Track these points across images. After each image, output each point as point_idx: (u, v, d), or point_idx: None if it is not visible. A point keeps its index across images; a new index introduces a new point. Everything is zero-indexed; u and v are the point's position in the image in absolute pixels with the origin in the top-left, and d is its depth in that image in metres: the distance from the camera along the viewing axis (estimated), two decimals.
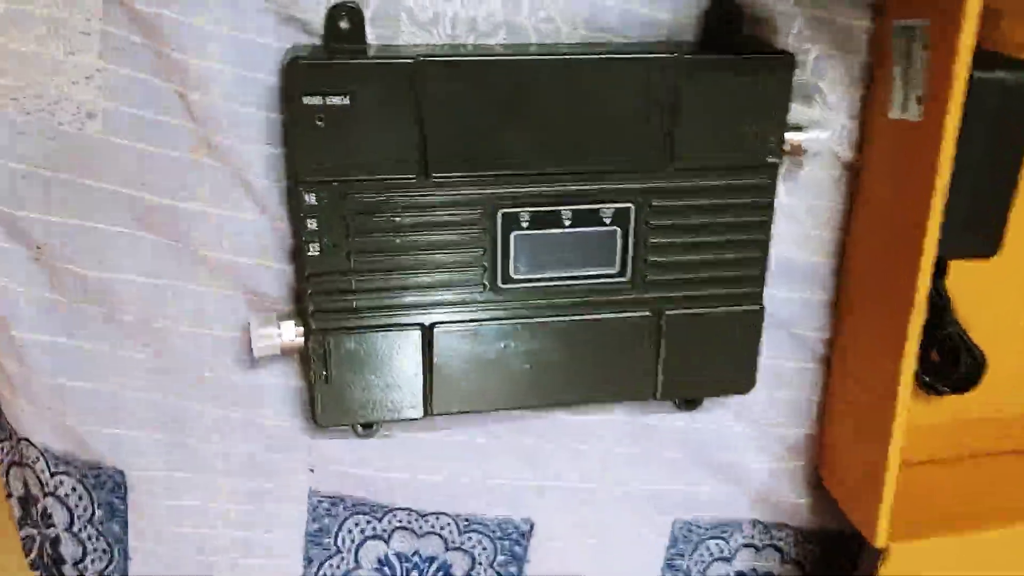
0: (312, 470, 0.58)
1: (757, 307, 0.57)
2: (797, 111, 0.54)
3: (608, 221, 0.53)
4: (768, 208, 0.55)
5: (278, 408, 0.56)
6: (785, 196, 0.57)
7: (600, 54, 0.50)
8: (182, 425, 0.55)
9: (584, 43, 0.52)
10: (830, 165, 0.57)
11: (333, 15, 0.48)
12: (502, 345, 0.55)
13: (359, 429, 0.57)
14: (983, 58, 0.50)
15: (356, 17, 0.49)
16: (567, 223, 0.53)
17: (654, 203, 0.53)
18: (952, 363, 0.62)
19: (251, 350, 0.52)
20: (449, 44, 0.50)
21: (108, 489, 0.57)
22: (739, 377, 0.59)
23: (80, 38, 0.47)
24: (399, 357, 0.53)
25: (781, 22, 0.53)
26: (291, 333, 0.52)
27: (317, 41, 0.49)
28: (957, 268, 0.61)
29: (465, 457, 0.60)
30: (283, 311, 0.54)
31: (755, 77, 0.51)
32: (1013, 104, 0.51)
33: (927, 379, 0.63)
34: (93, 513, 0.57)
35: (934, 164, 0.49)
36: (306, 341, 0.52)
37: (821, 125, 0.54)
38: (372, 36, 0.49)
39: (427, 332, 0.53)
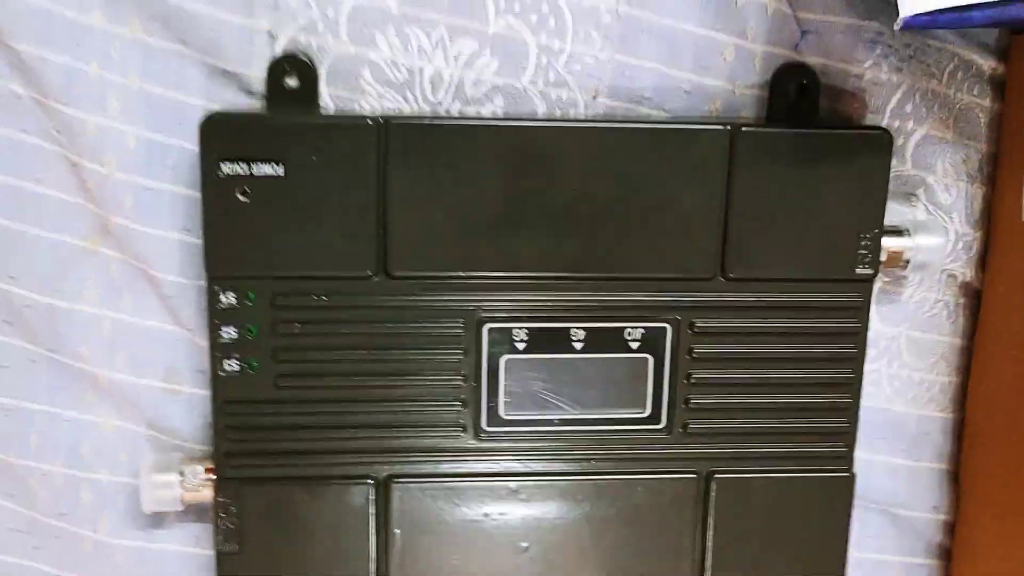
0: None
1: (845, 473, 0.41)
2: (896, 212, 0.41)
3: (636, 346, 0.39)
4: (859, 337, 0.40)
5: None
6: (882, 325, 0.43)
7: (629, 122, 0.38)
8: None
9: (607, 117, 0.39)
10: (943, 287, 0.43)
11: (277, 70, 0.37)
12: (484, 512, 0.40)
13: None
14: None
15: (308, 73, 0.37)
16: (579, 346, 0.39)
17: (699, 324, 0.39)
18: None
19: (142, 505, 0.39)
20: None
21: None
22: (820, 571, 0.42)
23: None
24: (341, 522, 0.39)
25: (873, 95, 0.40)
26: (196, 481, 0.39)
27: (257, 103, 0.38)
28: None
29: None
30: (195, 453, 0.40)
31: (838, 159, 0.38)
32: None
33: None
34: None
35: None
36: (216, 497, 0.38)
37: (928, 230, 0.40)
38: (328, 98, 0.38)
39: (381, 488, 0.39)
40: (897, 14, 0.29)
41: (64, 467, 0.40)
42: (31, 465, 0.40)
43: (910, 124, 0.40)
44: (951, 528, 0.46)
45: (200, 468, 0.39)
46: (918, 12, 0.29)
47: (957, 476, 0.45)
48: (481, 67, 0.38)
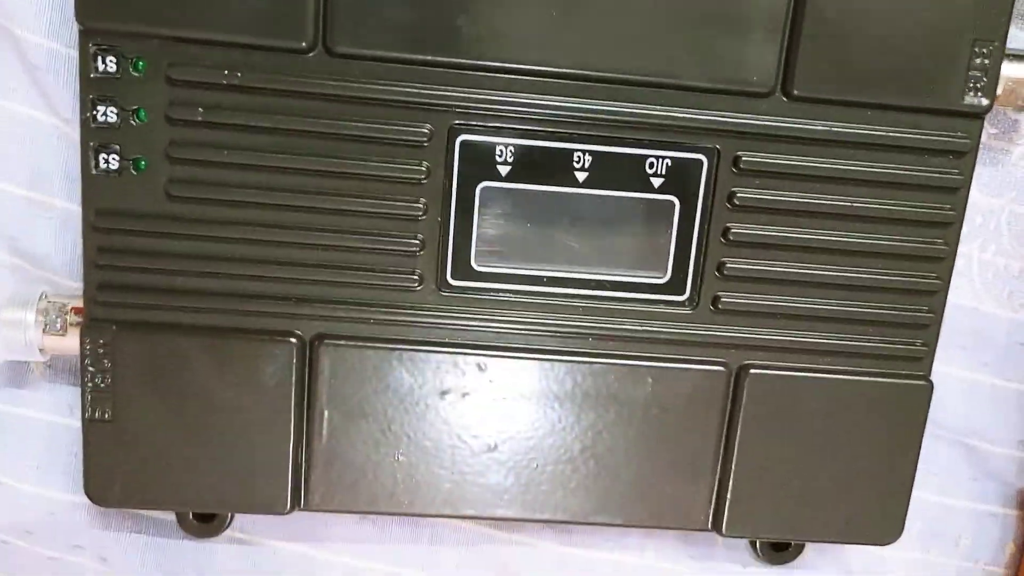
0: None
1: (920, 380, 0.31)
2: (1017, 38, 0.30)
3: (659, 183, 0.29)
4: (959, 196, 0.30)
5: (47, 470, 0.32)
6: (979, 194, 0.33)
7: None
8: None
9: None
10: None
11: None
12: (445, 395, 0.30)
13: (188, 520, 0.32)
14: None
15: None
16: (582, 177, 0.29)
17: (746, 158, 0.29)
18: None
19: None
20: None
21: None
22: (873, 513, 0.32)
23: None
24: (252, 391, 0.29)
25: None
26: (60, 322, 0.29)
27: None
28: None
29: None
30: (68, 290, 0.31)
31: None
32: None
33: None
34: None
35: None
36: (83, 345, 0.29)
37: None
38: None
39: (306, 350, 0.29)
40: None
41: None
42: None
43: None
44: None
45: (65, 305, 0.29)
46: None
47: None
48: None
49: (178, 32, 0.27)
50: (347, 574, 0.34)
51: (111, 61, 0.27)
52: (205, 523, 0.33)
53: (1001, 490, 0.36)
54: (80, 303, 0.29)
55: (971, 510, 0.36)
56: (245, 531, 0.33)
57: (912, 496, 0.33)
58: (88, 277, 0.28)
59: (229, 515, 0.33)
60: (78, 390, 0.32)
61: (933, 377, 0.32)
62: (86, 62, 0.27)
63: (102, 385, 0.29)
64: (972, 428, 0.35)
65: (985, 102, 0.29)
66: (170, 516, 0.33)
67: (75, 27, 0.28)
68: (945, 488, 0.36)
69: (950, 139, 0.29)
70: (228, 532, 0.33)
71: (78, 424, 0.32)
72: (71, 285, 0.31)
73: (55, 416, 0.32)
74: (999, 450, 0.35)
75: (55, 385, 0.32)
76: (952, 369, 0.34)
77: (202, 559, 0.33)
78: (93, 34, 0.26)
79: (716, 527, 0.32)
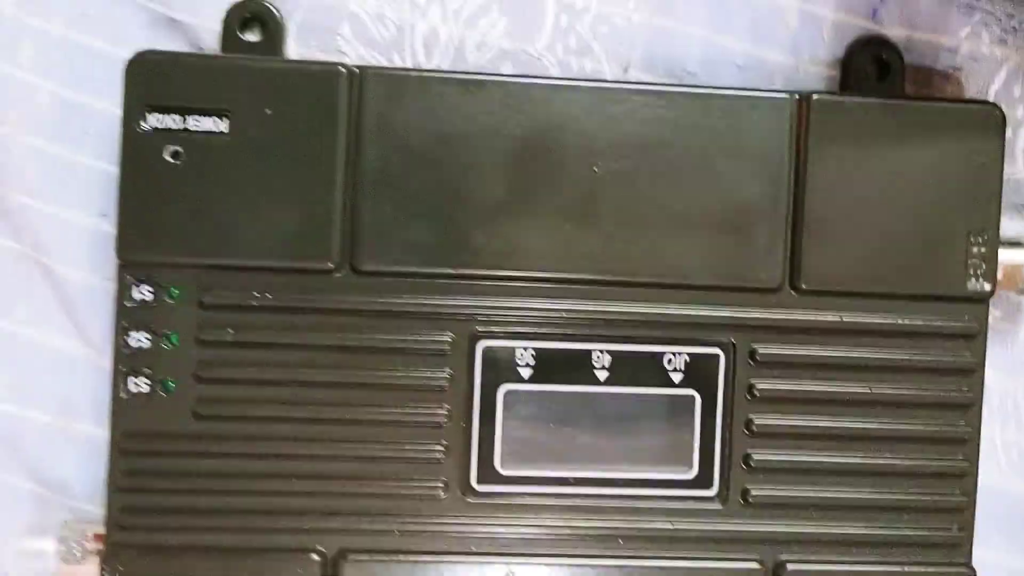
0: None
1: (962, 568, 0.30)
2: (1008, 227, 0.32)
3: (679, 379, 0.30)
4: (975, 377, 0.30)
5: None
6: (994, 376, 0.33)
7: (672, 86, 0.30)
8: None
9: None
10: None
11: (233, 19, 0.30)
12: None
13: None
14: None
15: (273, 26, 0.30)
16: (602, 376, 0.29)
17: (761, 351, 0.29)
18: None
19: None
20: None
21: None
22: None
23: None
24: None
25: (972, 74, 0.32)
26: (79, 550, 0.28)
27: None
28: None
29: None
30: (88, 516, 0.30)
31: (937, 141, 0.30)
32: None
33: None
34: None
35: None
36: (101, 571, 0.28)
37: None
38: (296, 58, 0.31)
39: (330, 567, 0.28)
40: None
41: None
42: None
43: (1020, 112, 0.32)
44: None
45: (86, 532, 0.29)
46: None
47: None
48: (486, 27, 0.31)
49: (211, 260, 0.28)
50: None
51: (147, 290, 0.28)
52: None
53: None
54: (100, 529, 0.29)
55: None
56: None
57: None
58: (112, 501, 0.28)
59: None
60: None
61: (976, 565, 0.31)
62: (123, 292, 0.28)
63: None
64: None
65: (987, 287, 0.30)
66: None
67: (112, 261, 0.30)
68: None
69: (959, 324, 0.30)
70: None
71: None
72: (92, 511, 0.30)
73: None
74: None
75: None
76: (990, 553, 0.33)
77: None
78: (131, 266, 0.28)
79: None
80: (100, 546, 0.28)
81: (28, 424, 0.30)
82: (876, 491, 0.30)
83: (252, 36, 0.30)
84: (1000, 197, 0.30)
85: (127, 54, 0.30)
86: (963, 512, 0.30)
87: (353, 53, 0.31)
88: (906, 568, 0.30)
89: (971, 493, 0.30)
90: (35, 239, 0.30)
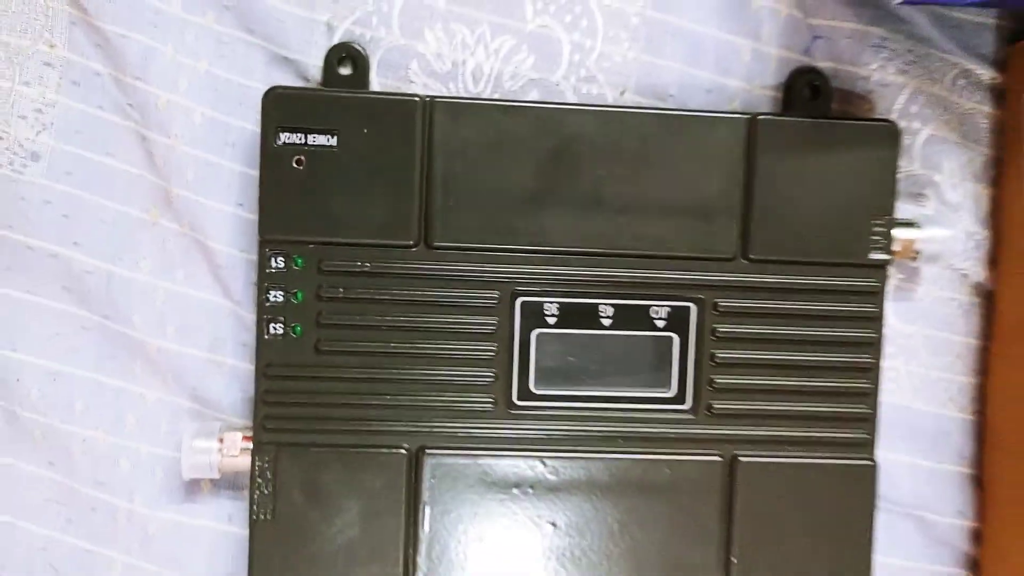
0: None
1: (867, 460, 0.42)
2: (907, 211, 0.43)
3: (662, 325, 0.41)
4: (876, 321, 0.41)
5: (212, 567, 0.42)
6: (899, 323, 0.44)
7: (655, 110, 0.41)
8: None
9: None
10: (955, 286, 0.44)
11: (333, 58, 0.41)
12: (515, 489, 0.40)
13: None
14: None
15: (360, 62, 0.41)
16: (606, 322, 0.41)
17: (722, 304, 0.41)
18: None
19: (182, 472, 0.40)
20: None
21: None
22: (846, 566, 0.42)
23: (37, 68, 0.40)
24: (374, 491, 0.40)
25: (881, 97, 0.43)
26: (236, 448, 0.40)
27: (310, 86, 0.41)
28: None
29: None
30: (233, 424, 0.42)
31: (850, 148, 0.41)
32: None
33: None
34: None
35: None
36: (253, 462, 0.39)
37: (938, 223, 0.42)
38: (378, 87, 0.41)
39: (415, 459, 0.40)
40: None
41: (106, 435, 0.41)
42: (74, 431, 0.41)
43: (916, 124, 0.43)
44: (978, 536, 0.45)
45: (239, 436, 0.40)
46: None
47: (980, 481, 0.45)
48: (518, 62, 0.42)
49: (325, 239, 0.39)
50: None
51: (280, 260, 0.39)
52: None
53: (949, 553, 0.45)
54: (249, 433, 0.40)
55: (928, 571, 0.45)
56: None
57: (881, 560, 0.43)
58: (257, 413, 0.39)
59: None
60: (235, 503, 0.42)
61: (884, 465, 0.42)
62: (263, 262, 0.39)
63: (266, 492, 0.39)
64: (919, 503, 0.45)
65: (885, 257, 0.41)
66: None
67: (246, 238, 0.40)
68: (907, 554, 0.45)
69: (865, 283, 0.41)
70: None
71: (236, 530, 0.42)
72: (236, 421, 0.42)
73: (218, 524, 0.42)
74: (942, 519, 0.45)
75: (218, 499, 0.42)
76: (898, 456, 0.44)
77: None
78: (269, 243, 0.39)
79: None
80: (250, 445, 0.39)
81: (188, 358, 0.41)
82: (805, 404, 0.41)
83: (345, 70, 0.41)
84: (895, 190, 0.41)
85: (256, 84, 0.41)
86: (868, 421, 0.42)
87: (419, 83, 0.42)
88: (827, 461, 0.41)
89: (874, 407, 0.42)
90: (191, 222, 0.41)
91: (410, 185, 0.39)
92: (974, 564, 0.46)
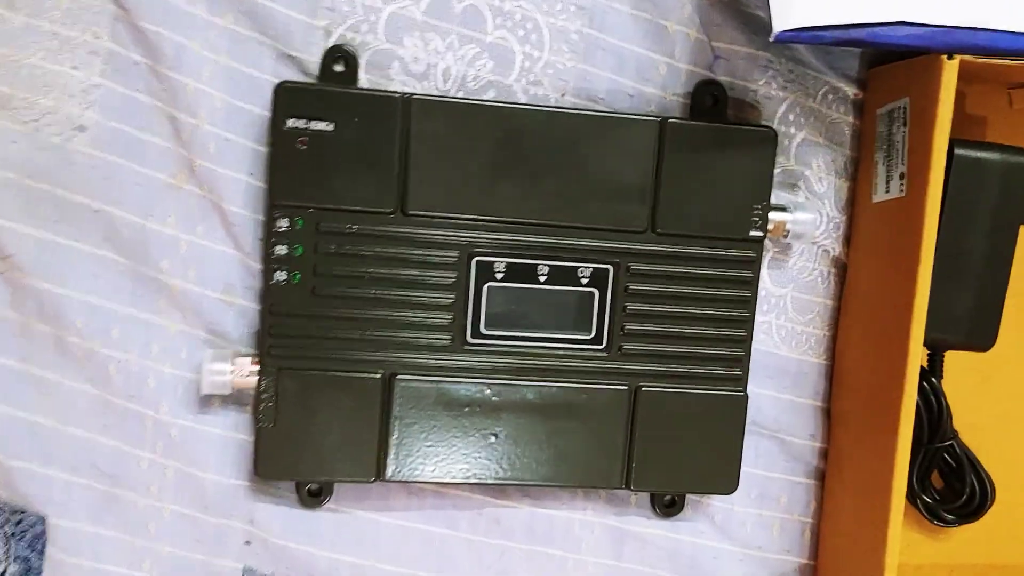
0: (248, 543, 0.53)
1: (740, 392, 0.54)
2: (782, 198, 0.54)
3: (586, 282, 0.52)
4: (752, 285, 0.53)
5: (222, 464, 0.52)
6: (772, 285, 0.56)
7: (589, 111, 0.51)
8: (117, 473, 0.51)
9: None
10: (818, 258, 0.56)
11: (329, 56, 0.50)
12: (466, 408, 0.51)
13: (305, 496, 0.53)
14: (965, 143, 0.51)
15: (351, 61, 0.50)
16: (543, 279, 0.51)
17: (634, 267, 0.52)
18: (956, 484, 0.57)
19: (200, 389, 0.49)
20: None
21: (27, 541, 0.52)
22: (720, 473, 0.54)
23: (85, 56, 0.48)
24: (355, 406, 0.50)
25: (766, 106, 0.54)
26: (245, 370, 0.50)
27: (311, 82, 0.51)
28: (960, 384, 0.57)
29: (422, 547, 0.54)
30: (241, 352, 0.52)
31: (738, 148, 0.52)
32: (997, 184, 0.50)
33: (928, 502, 0.57)
34: (4, 571, 0.52)
35: (918, 239, 0.48)
36: (259, 381, 0.49)
37: (804, 209, 0.54)
38: (365, 82, 0.51)
39: (388, 382, 0.50)
40: (771, 30, 0.43)
41: (137, 357, 0.51)
42: (112, 354, 0.50)
43: (793, 129, 0.54)
44: (825, 454, 0.58)
45: (248, 360, 0.50)
46: (786, 29, 0.43)
47: (829, 412, 0.58)
48: (480, 66, 0.51)
49: (321, 205, 0.49)
50: (398, 531, 0.54)
51: (285, 221, 0.49)
52: (314, 497, 0.53)
53: (803, 467, 0.58)
54: (255, 358, 0.50)
55: (786, 480, 0.57)
56: (337, 503, 0.53)
57: (748, 471, 0.55)
58: (263, 342, 0.49)
59: (330, 492, 0.53)
60: (241, 416, 0.52)
61: (755, 398, 0.54)
62: (270, 222, 0.48)
63: (270, 405, 0.49)
64: (781, 427, 0.57)
65: (761, 234, 0.52)
66: (293, 493, 0.53)
67: (257, 202, 0.50)
68: (769, 467, 0.57)
69: (745, 255, 0.52)
70: (327, 504, 0.53)
71: (241, 436, 0.52)
72: (244, 350, 0.52)
73: (227, 432, 0.52)
74: (799, 441, 0.57)
75: (227, 412, 0.52)
76: (767, 391, 0.56)
77: (310, 521, 0.53)
78: (277, 207, 0.48)
79: (627, 484, 0.53)
80: (257, 368, 0.49)
81: (205, 298, 0.51)
82: (694, 348, 0.53)
83: (339, 68, 0.50)
84: (772, 181, 0.52)
85: (266, 76, 0.50)
86: (742, 361, 0.53)
87: (399, 80, 0.51)
88: (710, 392, 0.53)
89: (747, 351, 0.53)
90: (210, 187, 0.50)
91: (391, 164, 0.49)
92: (821, 475, 0.58)
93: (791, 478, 0.58)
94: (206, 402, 0.52)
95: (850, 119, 0.55)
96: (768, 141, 0.52)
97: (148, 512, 0.52)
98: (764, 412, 0.56)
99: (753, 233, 0.52)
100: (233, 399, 0.52)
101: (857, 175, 0.56)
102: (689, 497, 0.56)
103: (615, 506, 0.56)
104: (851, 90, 0.55)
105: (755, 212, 0.52)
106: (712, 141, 0.51)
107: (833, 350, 0.57)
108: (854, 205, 0.56)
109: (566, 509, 0.56)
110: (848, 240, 0.56)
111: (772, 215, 0.53)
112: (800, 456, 0.57)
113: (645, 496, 0.56)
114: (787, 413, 0.57)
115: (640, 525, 0.56)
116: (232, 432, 0.52)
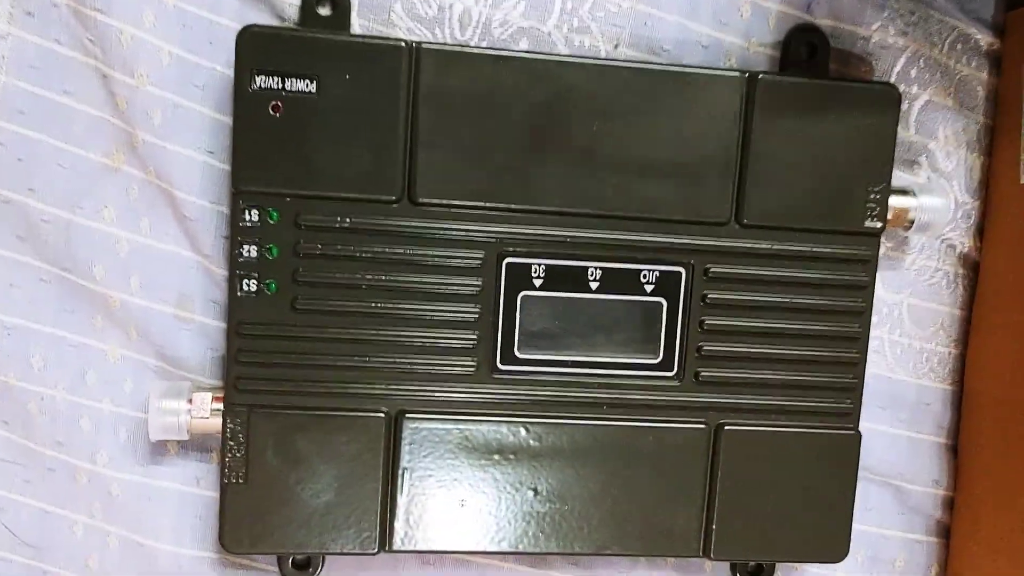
0: None
1: (851, 430, 0.41)
2: (899, 178, 0.42)
3: (650, 289, 0.40)
4: (867, 291, 0.41)
5: (179, 532, 0.40)
6: (884, 292, 0.44)
7: (650, 66, 0.39)
8: (43, 543, 0.39)
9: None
10: (942, 256, 0.44)
11: None
12: (496, 455, 0.39)
13: (289, 570, 0.41)
14: None
15: (340, 2, 0.38)
16: (594, 286, 0.39)
17: (713, 269, 0.40)
18: None
19: (149, 433, 0.38)
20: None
21: None
22: (825, 535, 0.42)
23: None
24: (351, 456, 0.38)
25: (880, 59, 0.42)
26: (207, 409, 0.38)
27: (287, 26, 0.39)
28: None
29: None
30: (201, 384, 0.40)
31: (848, 112, 0.39)
32: None
33: None
34: None
35: None
36: (225, 424, 0.37)
37: (933, 192, 0.41)
38: (358, 28, 0.39)
39: (394, 423, 0.38)
40: None
41: (66, 393, 0.39)
42: (31, 389, 0.39)
43: (914, 89, 0.42)
44: (951, 504, 0.46)
45: (208, 396, 0.38)
46: None
47: (956, 450, 0.45)
48: (508, 8, 0.39)
49: (301, 192, 0.37)
50: None
51: (254, 213, 0.37)
52: (301, 570, 0.41)
53: (923, 521, 0.46)
54: (220, 394, 0.38)
55: (902, 538, 0.45)
56: None
57: (856, 528, 0.43)
58: (229, 372, 0.37)
59: (321, 563, 0.41)
60: (204, 464, 0.41)
61: (863, 434, 0.42)
62: (236, 214, 0.37)
63: (238, 455, 0.37)
64: (897, 472, 0.45)
65: (879, 225, 0.40)
66: (272, 566, 0.41)
67: (217, 188, 0.38)
68: (881, 522, 0.45)
69: (857, 251, 0.40)
70: None
71: (204, 492, 0.40)
72: (204, 381, 0.40)
73: (186, 487, 0.40)
74: (918, 488, 0.45)
75: (186, 461, 0.40)
76: (878, 426, 0.44)
77: None
78: (242, 195, 0.36)
79: (706, 553, 0.41)
80: (220, 406, 0.38)
81: (153, 314, 0.39)
82: (792, 374, 0.41)
83: (324, 10, 0.38)
84: (893, 156, 0.40)
85: (228, 23, 0.38)
86: (854, 391, 0.41)
87: (403, 27, 0.39)
88: (812, 430, 0.41)
89: (860, 377, 0.41)
90: (157, 169, 0.38)
91: (394, 136, 0.37)
92: (946, 531, 0.46)
93: (909, 535, 0.46)
94: (158, 450, 0.40)
95: (984, 75, 0.43)
96: (889, 103, 0.40)
97: None
98: (875, 453, 0.44)
99: (869, 224, 0.40)
100: (193, 445, 0.40)
101: (993, 148, 0.43)
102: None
103: (686, 575, 0.44)
104: (985, 38, 0.42)
105: (871, 197, 0.40)
106: (815, 103, 0.39)
107: (962, 372, 0.45)
108: (989, 187, 0.43)
109: None
110: (981, 232, 0.44)
111: (893, 200, 0.40)
112: (920, 507, 0.45)
113: (723, 563, 0.44)
114: (904, 453, 0.45)
115: None
116: (192, 487, 0.40)
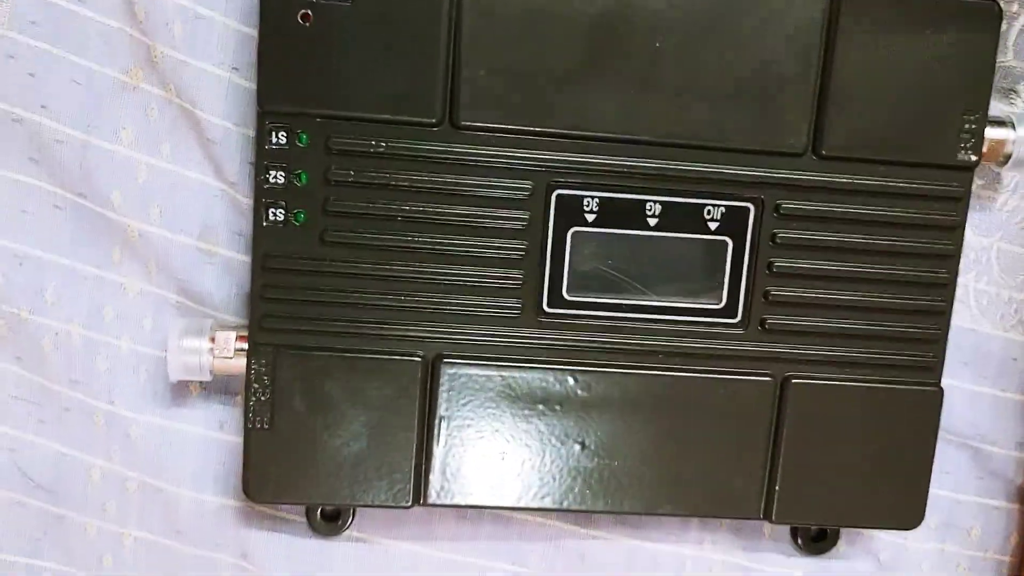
0: None
1: (932, 387, 0.38)
2: (994, 107, 0.38)
3: (715, 227, 0.36)
4: (957, 232, 0.37)
5: (201, 478, 0.38)
6: (972, 235, 0.40)
7: None
8: (58, 487, 0.37)
9: None
10: None
11: None
12: (541, 404, 0.36)
13: (317, 521, 0.38)
14: None
15: None
16: (652, 222, 0.36)
17: (785, 205, 0.36)
18: None
19: (169, 373, 0.35)
20: None
21: None
22: (898, 500, 0.38)
23: None
24: (384, 403, 0.35)
25: None
26: (228, 348, 0.35)
27: None
28: None
29: None
30: (225, 322, 0.37)
31: (943, 30, 0.35)
32: None
33: None
34: None
35: None
36: (249, 364, 0.35)
37: None
38: None
39: (431, 368, 0.35)
40: None
41: (82, 329, 0.36)
42: (45, 323, 0.36)
43: (1014, 7, 0.37)
44: None
45: (232, 335, 0.35)
46: None
47: None
48: None
49: (335, 112, 0.33)
50: (445, 567, 0.40)
51: (282, 135, 0.33)
52: (330, 522, 0.38)
53: (1003, 487, 0.42)
54: (244, 332, 0.35)
55: (978, 504, 0.42)
56: (362, 530, 0.39)
57: (930, 493, 0.39)
58: (254, 310, 0.34)
59: (351, 515, 0.38)
60: (228, 408, 0.38)
61: (944, 387, 0.38)
62: (262, 137, 0.33)
63: (263, 399, 0.35)
64: (977, 433, 0.41)
65: (974, 158, 0.36)
66: (300, 517, 0.38)
67: (243, 108, 0.35)
68: (956, 486, 0.42)
69: (948, 188, 0.36)
70: (348, 532, 0.39)
71: (227, 438, 0.38)
72: (228, 319, 0.37)
73: (208, 431, 0.38)
74: (1000, 451, 0.41)
75: (208, 404, 0.38)
76: (958, 382, 0.40)
77: (324, 555, 0.39)
78: (269, 115, 0.33)
79: (767, 515, 0.38)
80: (245, 345, 0.35)
81: (174, 246, 0.36)
82: (869, 323, 0.37)
83: None
84: (992, 82, 0.36)
85: None
86: (937, 343, 0.37)
87: None
88: (889, 385, 0.37)
89: (945, 328, 0.37)
90: (178, 87, 0.35)
91: (435, 52, 0.33)
92: None
93: (987, 501, 0.42)
94: (179, 391, 0.37)
95: None
96: (990, 21, 0.35)
97: (103, 540, 0.38)
98: (955, 412, 0.41)
99: (962, 156, 0.36)
100: (216, 387, 0.38)
101: None
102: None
103: (743, 539, 0.41)
104: None
105: (966, 126, 0.36)
106: (906, 19, 0.35)
107: None
108: None
109: (674, 542, 0.41)
110: None
111: (990, 131, 0.36)
112: (1000, 472, 0.42)
113: (783, 528, 0.40)
114: (987, 413, 0.41)
115: (777, 564, 0.41)
116: (215, 432, 0.38)
